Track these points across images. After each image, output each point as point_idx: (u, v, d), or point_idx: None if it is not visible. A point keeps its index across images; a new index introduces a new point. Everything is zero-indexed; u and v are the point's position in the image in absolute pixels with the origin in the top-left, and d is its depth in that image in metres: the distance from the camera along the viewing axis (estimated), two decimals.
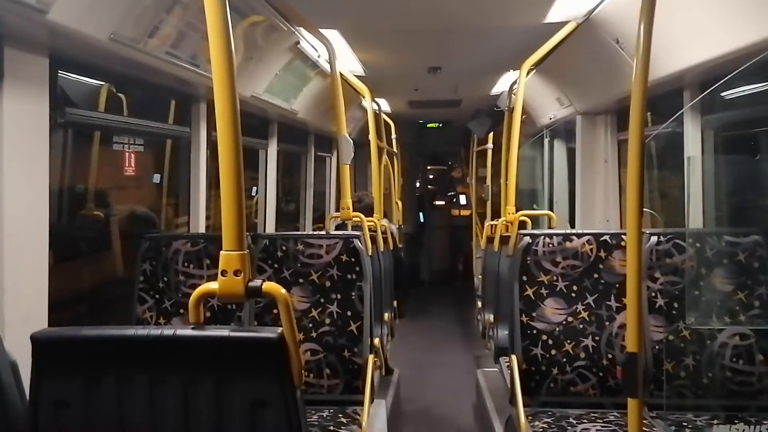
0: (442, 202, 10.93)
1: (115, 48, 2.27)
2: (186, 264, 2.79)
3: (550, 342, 2.76)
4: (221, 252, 1.34)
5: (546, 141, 6.19)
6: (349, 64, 4.80)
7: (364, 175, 8.81)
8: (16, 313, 2.01)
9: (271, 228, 4.98)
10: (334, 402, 2.71)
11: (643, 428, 1.87)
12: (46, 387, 1.30)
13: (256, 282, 1.34)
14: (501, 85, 6.20)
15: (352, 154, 3.30)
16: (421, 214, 10.77)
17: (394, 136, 7.58)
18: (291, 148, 5.73)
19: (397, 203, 7.22)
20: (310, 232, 4.06)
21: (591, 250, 2.82)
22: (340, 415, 2.57)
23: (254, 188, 5.17)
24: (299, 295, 2.82)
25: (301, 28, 3.51)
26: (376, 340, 2.95)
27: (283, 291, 1.35)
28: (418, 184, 11.04)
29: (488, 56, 4.81)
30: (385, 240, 4.37)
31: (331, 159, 7.07)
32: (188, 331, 1.31)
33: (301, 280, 2.84)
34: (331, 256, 2.84)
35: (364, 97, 4.81)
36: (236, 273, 1.32)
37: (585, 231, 2.88)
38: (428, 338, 6.97)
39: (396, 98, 7.20)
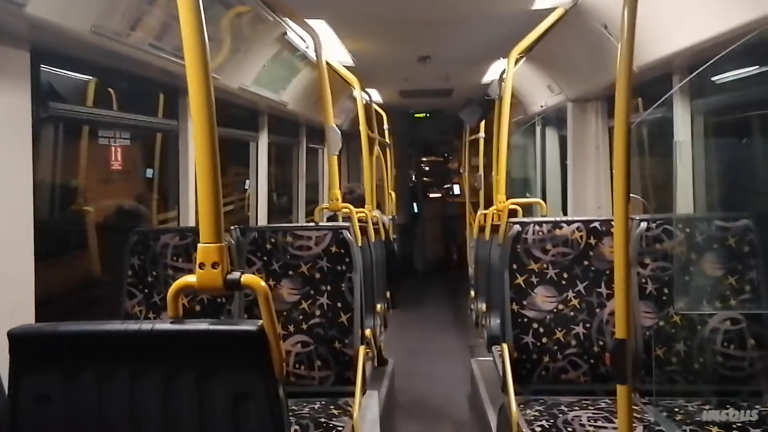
0: (438, 195, 10.93)
1: (97, 41, 2.24)
2: (174, 258, 2.77)
3: (541, 330, 2.76)
4: (198, 244, 1.32)
5: (538, 129, 6.17)
6: (337, 54, 4.77)
7: (356, 166, 8.78)
8: (1, 310, 1.99)
9: (263, 221, 4.96)
10: (326, 394, 2.70)
11: (634, 414, 1.88)
12: (26, 382, 1.29)
13: (235, 274, 1.33)
14: (491, 74, 6.18)
15: (340, 144, 3.28)
16: (414, 204, 10.77)
17: (386, 126, 7.55)
18: (282, 140, 5.70)
19: (390, 194, 7.20)
20: (299, 224, 4.05)
21: (581, 237, 2.82)
22: (332, 407, 2.56)
23: (246, 182, 5.14)
24: (289, 287, 2.81)
25: (287, 19, 3.48)
26: (368, 331, 2.95)
27: (263, 283, 1.34)
28: (412, 176, 11.03)
29: (477, 45, 4.78)
30: (376, 231, 4.35)
31: (323, 150, 7.04)
32: (167, 326, 1.29)
33: (290, 272, 2.83)
34: (321, 248, 2.83)
35: (354, 88, 4.78)
36: (214, 265, 1.31)
37: (575, 218, 2.87)
38: (422, 328, 6.98)
39: (386, 88, 7.17)
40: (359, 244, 3.09)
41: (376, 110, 6.68)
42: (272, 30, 3.57)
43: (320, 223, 3.42)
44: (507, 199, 3.78)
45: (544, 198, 5.42)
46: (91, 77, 2.87)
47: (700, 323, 2.65)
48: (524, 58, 4.64)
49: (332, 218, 4.29)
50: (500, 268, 2.93)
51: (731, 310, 2.65)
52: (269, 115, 4.91)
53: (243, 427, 1.27)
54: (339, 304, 2.77)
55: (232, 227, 2.85)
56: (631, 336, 1.69)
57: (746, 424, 2.23)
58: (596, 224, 2.82)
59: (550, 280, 2.80)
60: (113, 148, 3.23)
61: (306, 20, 3.29)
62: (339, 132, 3.27)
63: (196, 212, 3.52)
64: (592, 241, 2.81)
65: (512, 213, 3.75)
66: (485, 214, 4.75)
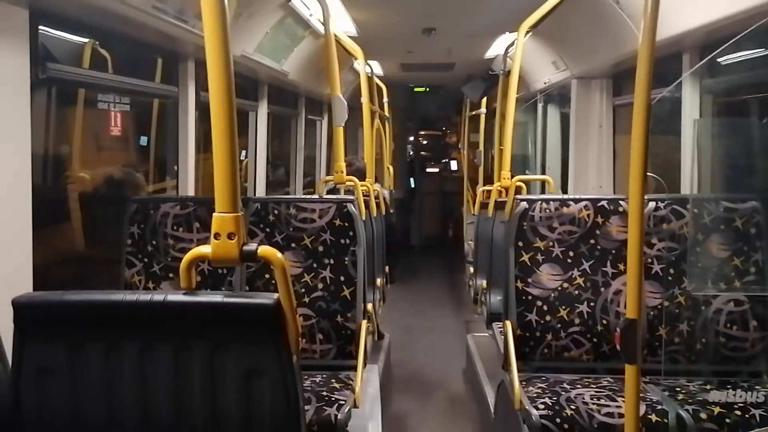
0: (436, 170, 10.87)
1: (97, 1, 2.16)
2: (175, 227, 2.73)
3: (545, 308, 2.74)
4: (214, 214, 1.27)
5: (540, 106, 6.11)
6: (341, 24, 4.67)
7: (354, 139, 8.70)
8: None
9: (261, 192, 4.91)
10: (327, 367, 2.69)
11: None
12: (29, 354, 1.25)
13: (251, 246, 1.28)
14: (495, 49, 6.09)
15: (346, 116, 3.22)
16: (412, 179, 10.72)
17: (386, 100, 7.47)
18: (281, 111, 5.61)
19: (388, 168, 7.15)
20: (303, 196, 4.00)
21: (588, 215, 2.78)
22: (333, 381, 2.55)
23: (243, 152, 5.07)
24: (291, 260, 2.77)
25: None
26: (369, 306, 2.92)
27: (280, 256, 1.30)
28: (409, 150, 10.96)
29: (484, 17, 4.70)
30: (377, 205, 4.31)
31: (322, 123, 6.96)
32: (180, 297, 1.25)
33: (293, 245, 2.79)
34: (324, 221, 2.79)
35: (356, 59, 4.69)
36: (230, 236, 1.26)
37: (582, 196, 2.84)
38: (419, 303, 6.99)
39: (389, 61, 7.07)
40: (363, 218, 3.05)
41: (376, 83, 6.59)
42: None
43: (324, 196, 3.38)
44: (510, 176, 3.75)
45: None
46: (88, 39, 2.79)
47: (704, 304, 2.64)
48: (530, 33, 4.56)
49: (332, 191, 4.24)
50: (505, 245, 2.90)
51: (736, 291, 2.65)
52: (269, 85, 4.82)
53: (256, 402, 1.24)
54: (342, 278, 2.74)
55: None
56: (641, 317, 1.67)
57: (748, 404, 2.24)
58: (604, 203, 2.79)
59: (556, 258, 2.77)
60: (112, 114, 3.16)
61: None
62: (345, 103, 3.21)
63: (196, 181, 3.51)
64: (600, 219, 2.78)
65: (517, 190, 3.72)
66: (488, 190, 4.71)
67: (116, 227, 2.93)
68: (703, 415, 2.21)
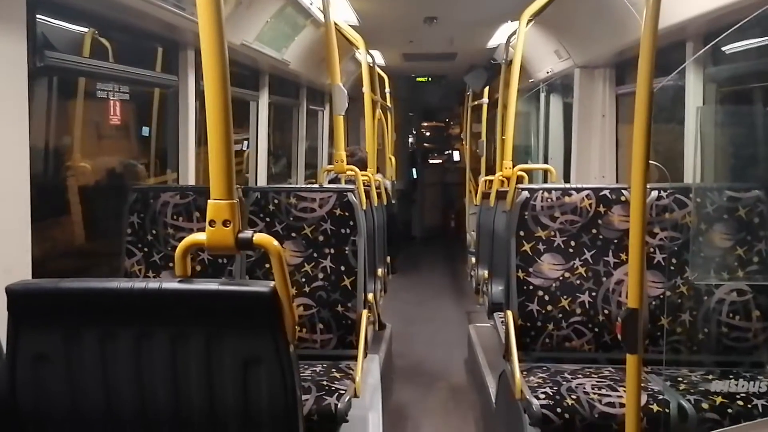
0: (438, 161, 10.85)
1: None
2: (175, 217, 2.72)
3: (546, 297, 2.73)
4: (209, 201, 1.26)
5: (542, 96, 6.08)
6: (342, 13, 4.64)
7: (356, 130, 8.68)
8: None
9: (262, 183, 4.90)
10: (328, 357, 2.68)
11: None
12: (25, 341, 1.24)
13: (247, 233, 1.27)
14: (497, 38, 6.06)
15: (347, 104, 3.20)
16: (414, 170, 10.70)
17: (387, 90, 7.44)
18: (282, 101, 5.59)
19: (390, 159, 7.13)
20: (303, 186, 3.99)
21: (590, 205, 2.77)
22: (334, 370, 2.54)
23: (245, 142, 5.05)
24: (292, 250, 2.76)
25: None
26: (370, 296, 2.92)
27: (276, 243, 1.29)
28: (411, 140, 10.93)
29: (486, 6, 4.67)
30: (378, 195, 4.30)
31: (323, 113, 6.94)
32: (175, 285, 1.24)
33: (293, 234, 2.78)
34: (325, 210, 2.78)
35: (357, 49, 4.67)
36: (225, 223, 1.25)
37: (584, 186, 2.82)
38: (420, 293, 6.99)
39: (390, 50, 7.04)
40: (363, 208, 3.04)
41: (378, 73, 6.56)
42: None
43: (324, 185, 3.37)
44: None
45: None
46: (88, 29, 2.77)
47: (707, 294, 2.63)
48: (532, 22, 4.53)
49: (333, 181, 4.23)
50: (506, 235, 2.89)
51: (738, 281, 2.63)
52: (270, 75, 4.80)
53: (253, 390, 1.23)
54: (342, 268, 2.73)
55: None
56: (642, 307, 1.66)
57: (750, 394, 2.23)
58: (606, 192, 2.77)
59: (558, 248, 2.76)
60: (112, 103, 3.15)
61: None
62: (345, 92, 3.19)
63: (197, 170, 3.50)
64: (602, 209, 2.76)
65: (519, 179, 3.70)
66: (489, 180, 4.70)
67: (117, 219, 2.92)
68: (705, 405, 2.20)
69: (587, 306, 2.71)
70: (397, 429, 3.83)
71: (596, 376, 2.49)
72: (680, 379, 2.46)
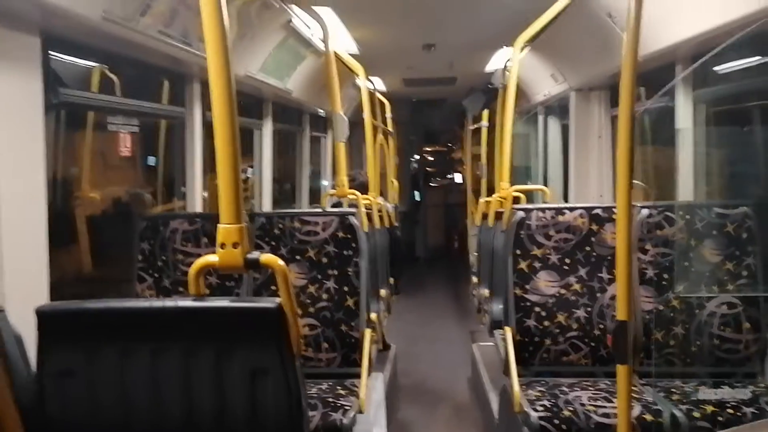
0: (441, 183, 10.95)
1: (107, 27, 2.26)
2: (184, 243, 2.82)
3: (543, 314, 2.81)
4: (219, 225, 1.37)
5: (540, 118, 6.20)
6: (342, 42, 4.78)
7: (359, 154, 8.79)
8: (16, 291, 2.04)
9: (267, 208, 5.00)
10: (333, 375, 2.76)
11: (633, 395, 1.93)
12: (52, 358, 1.35)
13: (254, 254, 1.38)
14: (495, 63, 6.19)
15: (348, 132, 3.31)
16: (416, 193, 10.80)
17: (389, 114, 7.57)
18: (286, 128, 5.73)
19: (392, 182, 7.23)
20: (307, 210, 4.08)
21: (583, 223, 2.86)
22: (339, 388, 2.62)
23: (249, 169, 5.16)
24: (297, 272, 2.86)
25: (294, 6, 3.50)
26: (373, 315, 3.00)
27: (281, 262, 1.39)
28: (414, 164, 11.05)
29: (483, 32, 4.80)
30: (381, 218, 4.40)
31: (326, 139, 7.07)
32: (189, 303, 1.35)
33: (298, 257, 2.88)
34: (328, 233, 2.87)
35: (358, 76, 4.80)
36: (234, 245, 1.36)
37: (577, 205, 2.92)
38: (424, 314, 7.04)
39: (390, 76, 7.18)
40: (365, 230, 3.14)
41: (379, 98, 6.69)
42: (278, 17, 3.60)
43: (327, 209, 3.47)
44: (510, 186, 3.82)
45: (545, 186, 5.45)
46: (96, 64, 2.89)
47: (698, 307, 2.71)
48: (528, 47, 4.66)
49: (336, 205, 4.32)
50: (504, 254, 2.98)
51: (729, 294, 2.71)
52: (273, 103, 4.93)
53: (261, 402, 1.32)
54: (345, 288, 2.82)
55: None
56: (632, 319, 1.74)
57: (739, 402, 2.30)
58: (598, 211, 2.87)
59: (553, 266, 2.85)
60: (121, 135, 3.27)
61: (312, 7, 3.32)
62: (346, 119, 3.31)
63: (203, 199, 3.60)
64: (594, 227, 2.86)
65: (515, 200, 3.80)
66: (489, 201, 4.79)
67: (125, 248, 3.02)
68: (697, 414, 2.27)
69: (583, 321, 2.79)
70: None
71: (592, 388, 2.56)
72: (674, 390, 2.53)
